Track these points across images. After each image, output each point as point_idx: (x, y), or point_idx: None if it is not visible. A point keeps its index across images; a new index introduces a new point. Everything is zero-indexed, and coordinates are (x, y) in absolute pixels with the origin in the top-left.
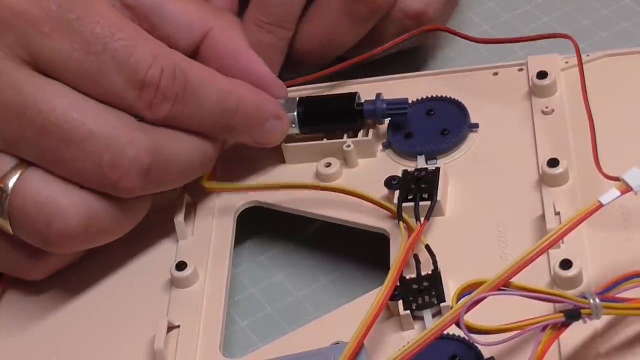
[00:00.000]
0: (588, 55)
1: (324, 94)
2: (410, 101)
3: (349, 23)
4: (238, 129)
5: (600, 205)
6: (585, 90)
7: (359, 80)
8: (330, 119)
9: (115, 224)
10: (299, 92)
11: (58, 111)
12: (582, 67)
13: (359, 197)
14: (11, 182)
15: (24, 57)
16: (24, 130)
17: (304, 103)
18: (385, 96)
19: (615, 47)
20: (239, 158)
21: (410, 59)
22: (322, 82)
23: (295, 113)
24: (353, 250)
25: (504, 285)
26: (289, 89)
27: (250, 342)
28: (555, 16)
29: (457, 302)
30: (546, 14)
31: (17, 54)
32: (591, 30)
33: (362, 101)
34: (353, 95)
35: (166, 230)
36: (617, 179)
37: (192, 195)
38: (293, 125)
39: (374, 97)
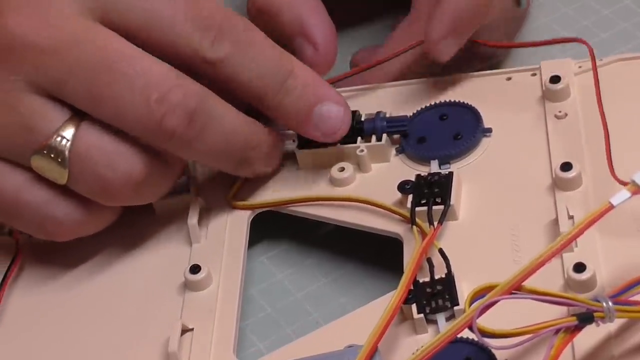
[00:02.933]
0: (601, 60)
1: None
2: (423, 106)
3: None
4: (292, 96)
5: (612, 207)
6: (600, 96)
7: (373, 85)
8: None
9: (162, 181)
10: None
11: (113, 48)
12: (596, 72)
13: (371, 205)
14: (70, 131)
15: (93, 6)
16: (76, 66)
17: None
18: (399, 101)
19: (615, 48)
20: None
21: None
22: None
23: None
24: (358, 252)
25: (516, 288)
26: None
27: (250, 342)
28: (555, 17)
29: (470, 305)
30: (546, 15)
31: (89, 7)
32: (591, 30)
33: (363, 119)
34: (352, 114)
35: (180, 233)
36: (625, 182)
37: (205, 199)
38: (293, 141)
39: (374, 113)
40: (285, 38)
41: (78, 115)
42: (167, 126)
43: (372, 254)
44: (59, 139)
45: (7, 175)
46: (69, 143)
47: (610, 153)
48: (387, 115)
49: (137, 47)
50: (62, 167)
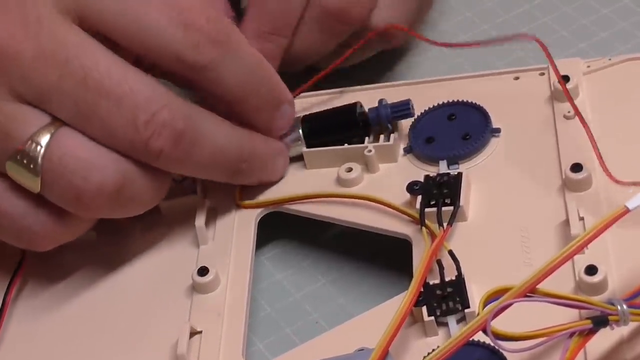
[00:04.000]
0: (610, 59)
1: (325, 108)
2: (431, 106)
3: (321, 35)
4: (263, 100)
5: (627, 211)
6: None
7: (378, 85)
8: (335, 132)
9: (145, 193)
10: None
11: (101, 66)
12: (557, 70)
13: (380, 204)
14: (46, 138)
15: (72, 8)
16: (63, 82)
17: (308, 120)
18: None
19: (614, 47)
20: None
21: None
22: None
23: (300, 130)
24: (357, 253)
25: (530, 291)
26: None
27: (250, 342)
28: (555, 16)
29: (483, 308)
30: (545, 14)
31: (65, 4)
32: (590, 30)
33: (365, 110)
34: (353, 106)
35: (187, 235)
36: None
37: (212, 200)
38: (299, 143)
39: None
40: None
41: (57, 121)
42: (154, 147)
43: (371, 255)
44: (33, 145)
45: None
46: (42, 150)
47: (601, 158)
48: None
49: (118, 52)
50: (34, 174)
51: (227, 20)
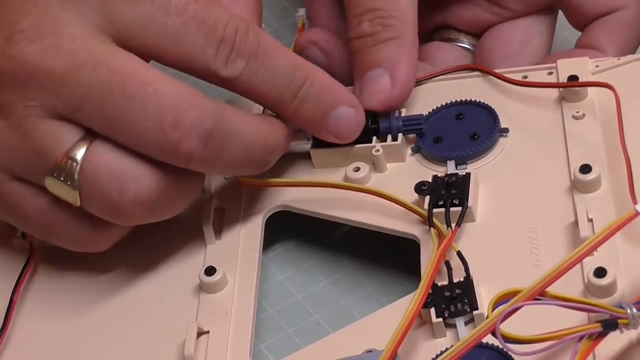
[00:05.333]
0: (619, 59)
1: None
2: (439, 105)
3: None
4: (307, 104)
5: (637, 214)
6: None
7: None
8: None
9: (179, 197)
10: None
11: (126, 71)
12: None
13: (389, 200)
14: (81, 152)
15: (104, 25)
16: (91, 90)
17: None
18: (413, 100)
19: None
20: None
21: None
22: None
23: None
24: (358, 254)
25: (540, 294)
26: None
27: None
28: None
29: (492, 310)
30: None
31: (97, 22)
32: None
33: (378, 119)
34: (368, 114)
35: (194, 234)
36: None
37: (220, 200)
38: (307, 140)
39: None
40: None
41: (90, 135)
42: (184, 150)
43: (374, 256)
44: (69, 161)
45: (30, 198)
46: (78, 165)
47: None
48: (402, 115)
49: (151, 64)
50: (73, 189)
51: (256, 28)
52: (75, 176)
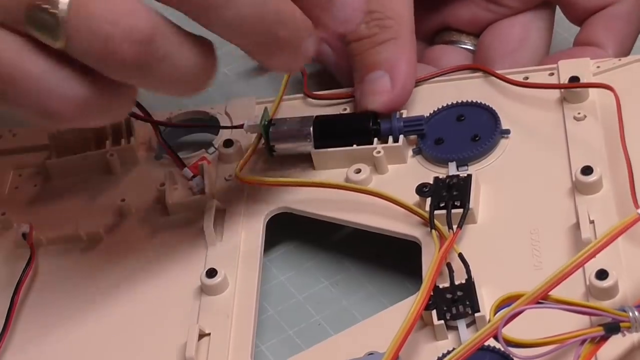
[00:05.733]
0: (620, 60)
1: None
2: (440, 106)
3: None
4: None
5: (639, 218)
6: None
7: None
8: (345, 138)
9: (179, 56)
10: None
11: None
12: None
13: (391, 202)
14: None
15: None
16: None
17: (320, 122)
18: (414, 102)
19: None
20: (268, 162)
21: None
22: None
23: (311, 129)
24: (359, 255)
25: (542, 298)
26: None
27: None
28: (555, 18)
29: (494, 314)
30: None
31: None
32: None
33: (379, 120)
34: (369, 115)
35: (195, 236)
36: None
37: (221, 202)
38: (308, 141)
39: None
40: None
41: None
42: None
43: (375, 257)
44: None
45: (3, 41)
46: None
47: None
48: (403, 116)
49: None
50: (57, 25)
51: None
52: (65, 9)
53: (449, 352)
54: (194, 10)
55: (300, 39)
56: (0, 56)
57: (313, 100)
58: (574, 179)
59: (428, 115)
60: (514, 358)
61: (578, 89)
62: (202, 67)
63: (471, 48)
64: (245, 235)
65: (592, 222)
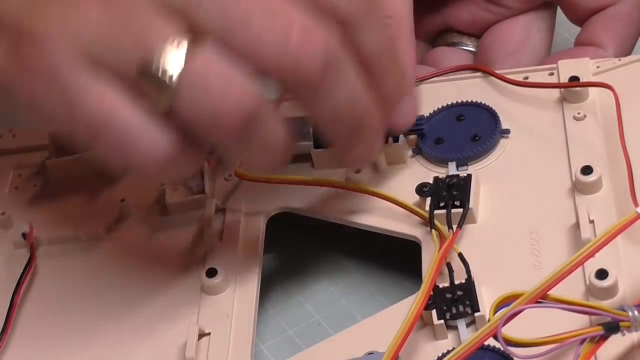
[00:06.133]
0: (620, 60)
1: None
2: (440, 106)
3: None
4: (396, 75)
5: (638, 217)
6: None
7: None
8: None
9: (273, 132)
10: None
11: None
12: None
13: (390, 202)
14: (186, 49)
15: None
16: None
17: None
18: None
19: None
20: None
21: None
22: None
23: (311, 128)
24: (360, 255)
25: (541, 297)
26: None
27: None
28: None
29: (494, 314)
30: None
31: None
32: None
33: None
34: None
35: (195, 235)
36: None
37: (221, 201)
38: (308, 140)
39: None
40: None
41: (200, 34)
42: (303, 65)
43: (373, 257)
44: (173, 55)
45: (108, 88)
46: (182, 62)
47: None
48: None
49: None
50: (169, 87)
51: None
52: (178, 73)
53: (448, 352)
54: (308, 93)
55: (379, 131)
56: (100, 100)
57: None
58: (573, 178)
59: (428, 115)
60: (514, 357)
61: (578, 89)
62: (287, 143)
63: (473, 49)
64: (245, 235)
65: (591, 221)
